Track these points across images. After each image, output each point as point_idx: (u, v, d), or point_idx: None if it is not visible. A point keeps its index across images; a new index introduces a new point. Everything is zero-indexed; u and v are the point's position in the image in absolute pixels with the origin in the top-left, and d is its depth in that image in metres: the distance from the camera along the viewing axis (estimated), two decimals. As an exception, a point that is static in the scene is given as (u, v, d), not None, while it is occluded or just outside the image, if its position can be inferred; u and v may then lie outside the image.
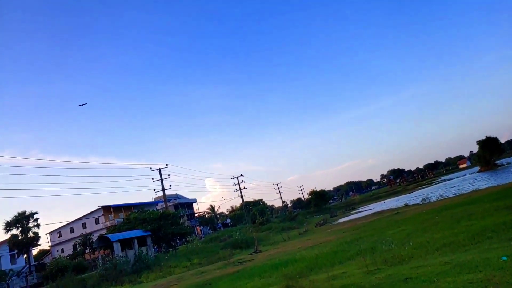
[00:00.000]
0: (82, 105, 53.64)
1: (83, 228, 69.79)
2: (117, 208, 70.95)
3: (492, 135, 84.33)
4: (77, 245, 64.40)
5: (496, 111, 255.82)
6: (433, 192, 54.57)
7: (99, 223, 69.93)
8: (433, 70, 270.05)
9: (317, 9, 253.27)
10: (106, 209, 69.87)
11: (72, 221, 70.94)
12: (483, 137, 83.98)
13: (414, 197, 56.29)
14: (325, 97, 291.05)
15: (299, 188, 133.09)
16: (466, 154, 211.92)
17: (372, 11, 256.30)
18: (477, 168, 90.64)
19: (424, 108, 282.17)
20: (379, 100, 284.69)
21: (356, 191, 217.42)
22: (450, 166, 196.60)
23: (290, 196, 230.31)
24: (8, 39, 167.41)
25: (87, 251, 60.27)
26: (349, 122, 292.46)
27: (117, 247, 35.52)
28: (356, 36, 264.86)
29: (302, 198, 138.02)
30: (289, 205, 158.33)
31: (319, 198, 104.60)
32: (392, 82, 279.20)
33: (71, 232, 71.41)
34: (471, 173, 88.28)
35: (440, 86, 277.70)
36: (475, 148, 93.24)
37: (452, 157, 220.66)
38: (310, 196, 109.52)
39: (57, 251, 70.93)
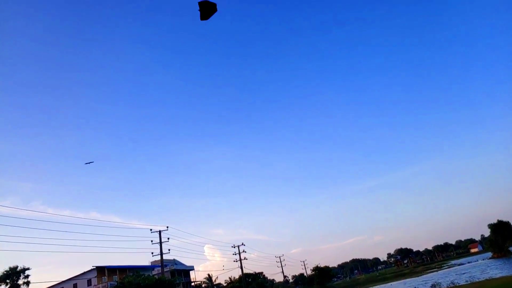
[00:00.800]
0: (89, 163, 53.82)
1: (74, 289, 66.69)
2: (112, 270, 68.21)
3: (505, 219, 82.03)
4: (65, 307, 61.10)
5: (509, 194, 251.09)
6: (443, 277, 51.79)
7: (91, 284, 66.90)
8: (445, 147, 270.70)
9: (331, 80, 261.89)
10: (100, 270, 67.16)
11: (63, 281, 68.00)
12: (495, 221, 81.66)
13: (423, 282, 53.43)
14: (332, 168, 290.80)
15: (302, 263, 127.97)
16: (477, 237, 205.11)
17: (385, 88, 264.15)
18: (490, 254, 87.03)
19: (435, 186, 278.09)
20: (388, 175, 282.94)
21: (362, 270, 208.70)
22: (461, 249, 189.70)
23: (292, 270, 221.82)
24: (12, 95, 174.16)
25: (74, 314, 56.98)
26: (356, 195, 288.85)
27: (105, 313, 33.42)
28: (365, 111, 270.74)
29: (305, 274, 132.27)
30: (291, 280, 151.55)
31: (322, 275, 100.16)
32: (402, 158, 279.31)
33: (61, 293, 68.18)
34: (483, 259, 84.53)
35: (451, 163, 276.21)
36: (487, 231, 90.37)
37: (463, 240, 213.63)
38: (314, 272, 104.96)
39: (44, 312, 67.28)
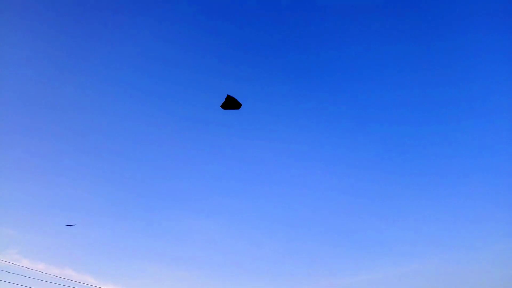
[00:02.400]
0: (71, 225, 51.49)
1: None
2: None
3: None
4: None
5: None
6: None
7: None
8: (440, 249, 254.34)
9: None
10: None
11: None
12: None
13: None
14: (318, 258, 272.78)
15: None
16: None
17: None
18: None
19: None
20: (379, 271, 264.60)
21: None
22: None
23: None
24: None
25: None
26: None
27: None
28: (360, 203, 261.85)
29: None
30: None
31: None
32: (396, 253, 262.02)
33: None
34: None
35: (445, 266, 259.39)
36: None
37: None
38: None
39: None
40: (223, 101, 10.89)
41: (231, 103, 11.67)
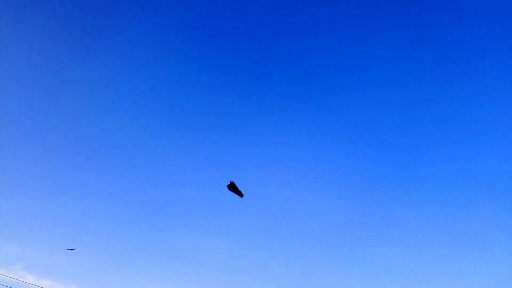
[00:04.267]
0: (71, 249, 51.77)
1: None
2: None
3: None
4: None
5: None
6: None
7: None
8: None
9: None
10: None
11: None
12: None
13: None
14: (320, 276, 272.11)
15: None
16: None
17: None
18: None
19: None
20: None
21: None
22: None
23: None
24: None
25: None
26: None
27: None
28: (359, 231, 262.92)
29: None
30: None
31: None
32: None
33: None
34: None
35: None
36: None
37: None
38: None
39: None
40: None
41: (234, 189, 13.22)
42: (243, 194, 12.99)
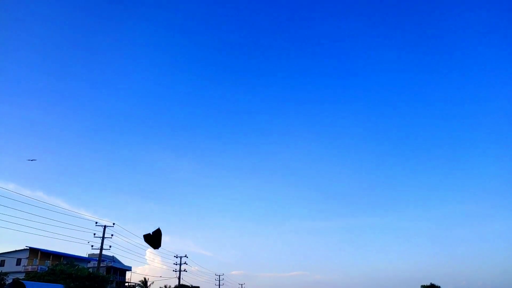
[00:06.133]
0: (32, 160, 53.49)
1: (0, 266, 63.29)
2: (46, 254, 65.42)
3: (437, 283, 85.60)
4: (-14, 283, 57.72)
5: (442, 261, 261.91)
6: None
7: (20, 264, 63.81)
8: (401, 204, 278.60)
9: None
10: (33, 251, 64.32)
11: (-10, 255, 64.69)
12: (428, 283, 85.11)
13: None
14: (287, 204, 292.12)
15: (240, 286, 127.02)
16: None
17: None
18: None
19: (383, 240, 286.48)
20: (343, 220, 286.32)
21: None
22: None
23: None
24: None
25: (-6, 292, 53.98)
26: (306, 232, 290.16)
27: (30, 297, 31.83)
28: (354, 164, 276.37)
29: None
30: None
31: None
32: (362, 207, 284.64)
33: (-15, 266, 64.53)
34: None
35: (404, 223, 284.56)
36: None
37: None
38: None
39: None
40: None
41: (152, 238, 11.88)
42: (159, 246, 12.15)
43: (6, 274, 57.76)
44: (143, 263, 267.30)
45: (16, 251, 64.63)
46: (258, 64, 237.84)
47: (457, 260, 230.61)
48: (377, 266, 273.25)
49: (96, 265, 54.05)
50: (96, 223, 50.50)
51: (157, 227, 12.26)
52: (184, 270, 74.13)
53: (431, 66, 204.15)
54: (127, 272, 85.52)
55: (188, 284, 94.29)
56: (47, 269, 51.18)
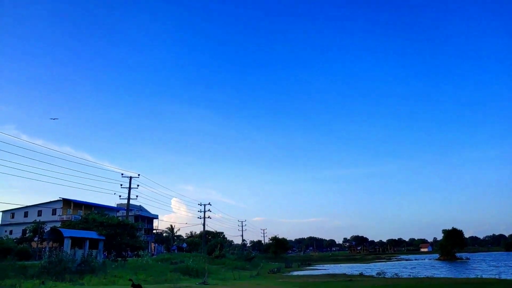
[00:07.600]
0: (54, 119, 54.57)
1: (38, 216, 67.76)
2: (78, 204, 69.45)
3: (458, 227, 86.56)
4: (27, 231, 62.31)
5: (464, 207, 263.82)
6: (390, 268, 55.23)
7: (55, 214, 68.15)
8: (419, 150, 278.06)
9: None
10: (66, 202, 68.33)
11: (29, 206, 69.00)
12: (450, 227, 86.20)
13: (370, 268, 56.76)
14: (309, 150, 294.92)
15: (262, 231, 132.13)
16: (430, 239, 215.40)
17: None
18: (437, 256, 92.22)
19: (403, 187, 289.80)
20: (362, 168, 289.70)
21: (317, 248, 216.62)
22: (412, 247, 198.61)
23: (251, 236, 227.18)
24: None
25: (36, 239, 58.36)
26: (327, 180, 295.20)
27: (67, 243, 34.67)
28: (355, 111, 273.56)
29: (263, 242, 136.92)
30: (249, 245, 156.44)
31: (279, 246, 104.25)
32: (379, 154, 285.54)
33: (24, 217, 69.18)
34: (429, 259, 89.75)
35: (419, 169, 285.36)
36: (440, 235, 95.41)
37: (416, 239, 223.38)
38: (271, 241, 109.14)
39: (6, 231, 68.39)
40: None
41: None
42: None
43: (43, 223, 62.06)
44: (169, 211, 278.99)
45: (50, 202, 68.80)
46: (271, 25, 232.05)
47: (482, 205, 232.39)
48: (398, 213, 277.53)
49: (124, 215, 57.35)
50: (122, 174, 53.08)
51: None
52: (208, 217, 77.71)
53: None
54: (154, 220, 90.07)
55: (213, 230, 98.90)
56: (80, 218, 54.65)
